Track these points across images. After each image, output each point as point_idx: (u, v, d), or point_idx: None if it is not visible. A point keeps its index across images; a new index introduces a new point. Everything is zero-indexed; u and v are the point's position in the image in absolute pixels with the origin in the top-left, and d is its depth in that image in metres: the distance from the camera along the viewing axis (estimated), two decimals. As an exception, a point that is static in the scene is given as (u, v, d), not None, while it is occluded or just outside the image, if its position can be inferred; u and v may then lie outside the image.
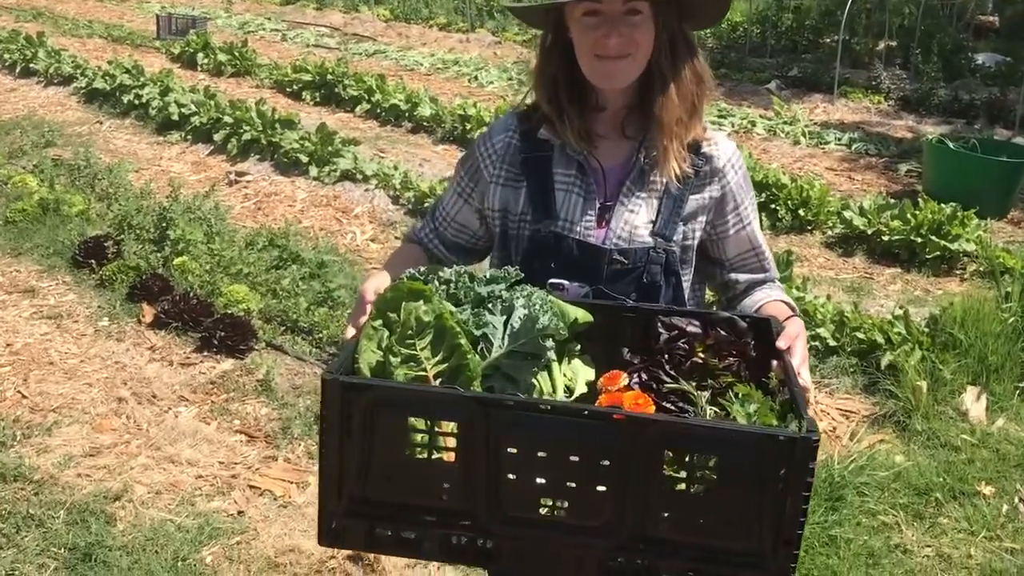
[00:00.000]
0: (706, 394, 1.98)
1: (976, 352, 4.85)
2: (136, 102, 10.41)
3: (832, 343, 5.27)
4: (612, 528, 1.67)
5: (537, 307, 1.90)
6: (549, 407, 1.65)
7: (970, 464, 4.15)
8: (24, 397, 4.72)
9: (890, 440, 4.47)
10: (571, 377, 2.09)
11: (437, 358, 1.80)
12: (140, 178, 8.30)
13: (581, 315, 2.05)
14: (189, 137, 9.50)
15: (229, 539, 3.77)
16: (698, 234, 2.27)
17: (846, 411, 4.82)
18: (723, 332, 2.07)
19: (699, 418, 1.67)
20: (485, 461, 1.64)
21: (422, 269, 1.98)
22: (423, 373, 1.78)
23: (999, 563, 3.56)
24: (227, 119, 9.17)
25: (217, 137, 9.11)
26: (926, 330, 5.17)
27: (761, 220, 2.71)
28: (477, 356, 1.83)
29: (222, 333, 5.13)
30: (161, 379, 4.93)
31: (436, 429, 1.66)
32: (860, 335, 5.22)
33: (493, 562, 1.73)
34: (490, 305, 1.90)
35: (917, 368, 4.79)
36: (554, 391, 2.02)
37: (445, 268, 1.98)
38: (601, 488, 1.64)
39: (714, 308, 2.60)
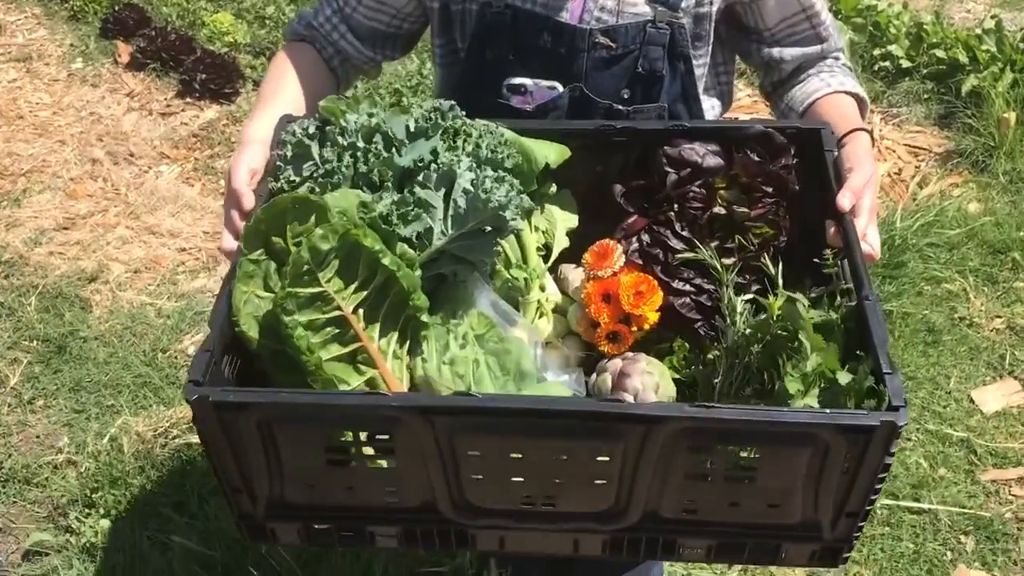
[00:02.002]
0: (733, 262, 1.44)
1: (1081, 71, 4.07)
2: None
3: (906, 64, 4.50)
4: (618, 514, 1.23)
5: (488, 174, 1.32)
6: (520, 408, 1.13)
7: (1057, 213, 3.57)
8: (-8, 160, 4.29)
9: (964, 185, 3.85)
10: (547, 229, 1.54)
11: (353, 286, 1.28)
12: None
13: (554, 154, 1.47)
14: None
15: (217, 324, 3.43)
16: None
17: (915, 148, 4.16)
18: (753, 156, 1.48)
19: (737, 407, 1.13)
20: (440, 466, 1.18)
21: (308, 127, 1.39)
22: (337, 313, 1.27)
23: (1079, 337, 3.11)
24: None
25: None
26: (1022, 45, 4.35)
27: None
28: (409, 269, 1.30)
29: (203, 76, 4.53)
30: (139, 133, 4.43)
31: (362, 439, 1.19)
32: (939, 53, 4.43)
33: (466, 547, 1.32)
34: (420, 179, 1.33)
35: (1006, 96, 4.05)
36: (524, 260, 1.49)
37: (347, 115, 1.38)
38: (601, 482, 1.17)
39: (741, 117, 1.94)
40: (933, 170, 3.98)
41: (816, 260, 1.39)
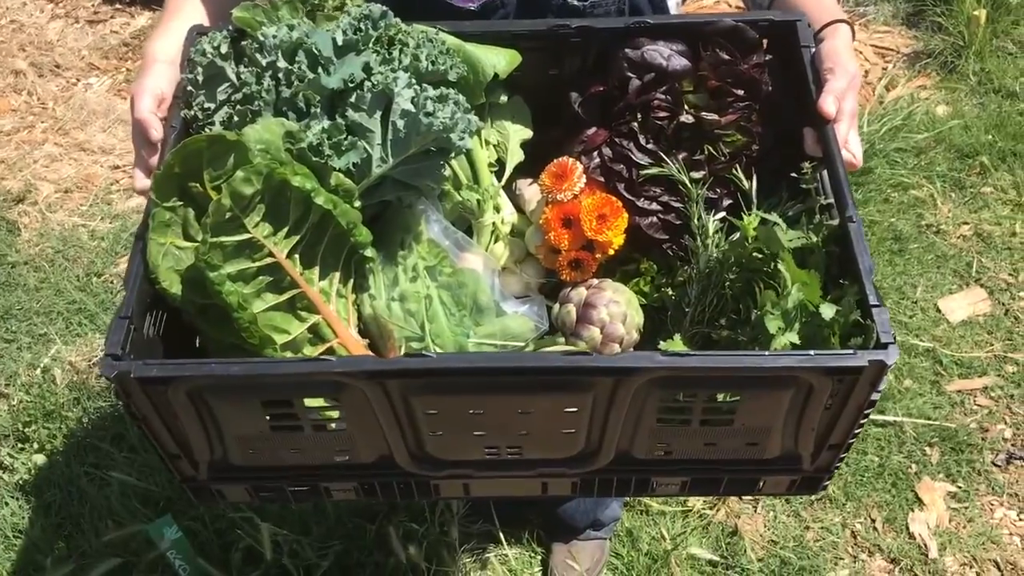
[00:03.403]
0: (702, 175, 1.32)
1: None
2: None
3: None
4: (588, 458, 1.15)
5: (429, 93, 1.17)
6: (478, 367, 1.02)
7: (1028, 117, 3.43)
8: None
9: (933, 87, 3.68)
10: (498, 143, 1.41)
11: (285, 228, 1.14)
12: None
13: (504, 61, 1.32)
14: None
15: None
16: None
17: (883, 49, 3.95)
18: (721, 54, 1.34)
19: (713, 355, 1.02)
20: (396, 425, 1.08)
21: (220, 44, 1.21)
22: (269, 260, 1.13)
23: (1046, 242, 3.04)
24: None
25: None
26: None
27: None
28: (347, 204, 1.16)
29: (129, -31, 4.19)
30: (66, 42, 4.10)
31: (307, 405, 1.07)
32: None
33: (429, 497, 1.23)
34: (352, 101, 1.17)
35: (977, -7, 3.84)
36: (476, 180, 1.36)
37: (265, 27, 1.21)
38: (569, 431, 1.08)
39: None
40: (901, 72, 3.79)
41: (792, 172, 1.28)
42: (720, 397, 1.09)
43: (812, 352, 1.02)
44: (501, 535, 2.40)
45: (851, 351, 1.02)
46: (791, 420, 1.12)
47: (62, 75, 3.97)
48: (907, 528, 2.44)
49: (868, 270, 1.08)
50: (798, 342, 1.09)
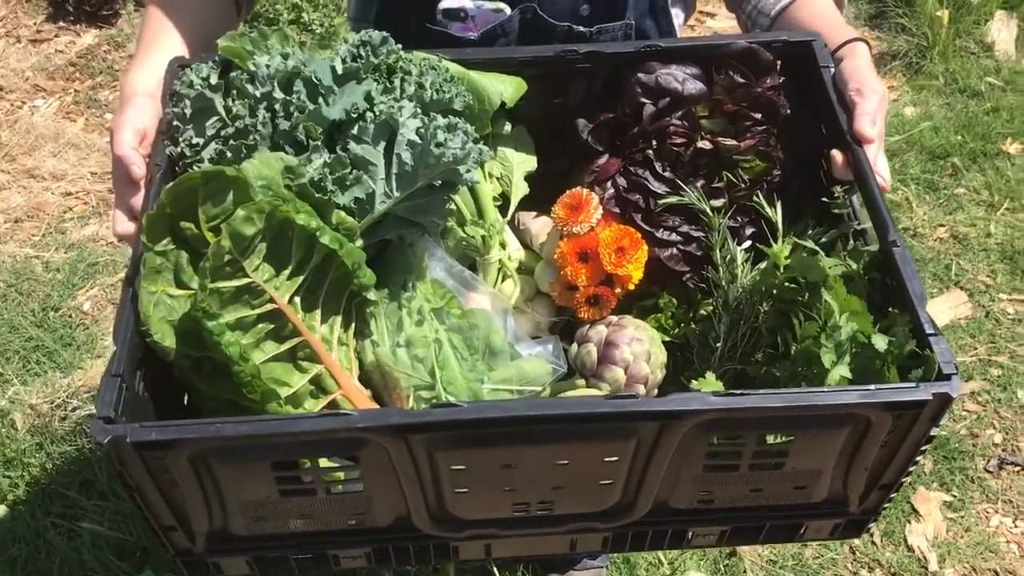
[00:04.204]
0: (721, 203, 1.25)
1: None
2: None
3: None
4: (622, 511, 1.06)
5: (438, 122, 1.09)
6: (517, 415, 0.92)
7: (994, 115, 3.46)
8: None
9: (899, 87, 3.72)
10: (502, 175, 1.33)
11: (287, 271, 1.04)
12: None
13: (510, 90, 1.25)
14: None
15: (111, 276, 3.12)
16: None
17: None
18: (736, 76, 1.28)
19: (771, 393, 0.93)
20: (417, 483, 0.98)
21: (208, 75, 1.12)
22: (270, 307, 1.04)
23: (1022, 240, 3.04)
24: None
25: None
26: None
27: None
28: (351, 244, 1.07)
29: (75, -5, 4.07)
30: (8, 63, 3.95)
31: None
32: (864, -57, 4.25)
33: (447, 560, 1.13)
34: (355, 132, 1.08)
35: (939, -8, 3.90)
36: (480, 215, 1.28)
37: (256, 56, 1.12)
38: (606, 482, 0.99)
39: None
40: (867, 74, 3.84)
41: (815, 197, 1.22)
42: (770, 439, 1.00)
43: (873, 387, 0.94)
44: (495, 569, 2.29)
45: (912, 384, 0.95)
46: (843, 460, 1.04)
47: (5, 98, 3.82)
48: (905, 541, 2.40)
49: (920, 297, 1.01)
50: (850, 376, 1.02)
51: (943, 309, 2.88)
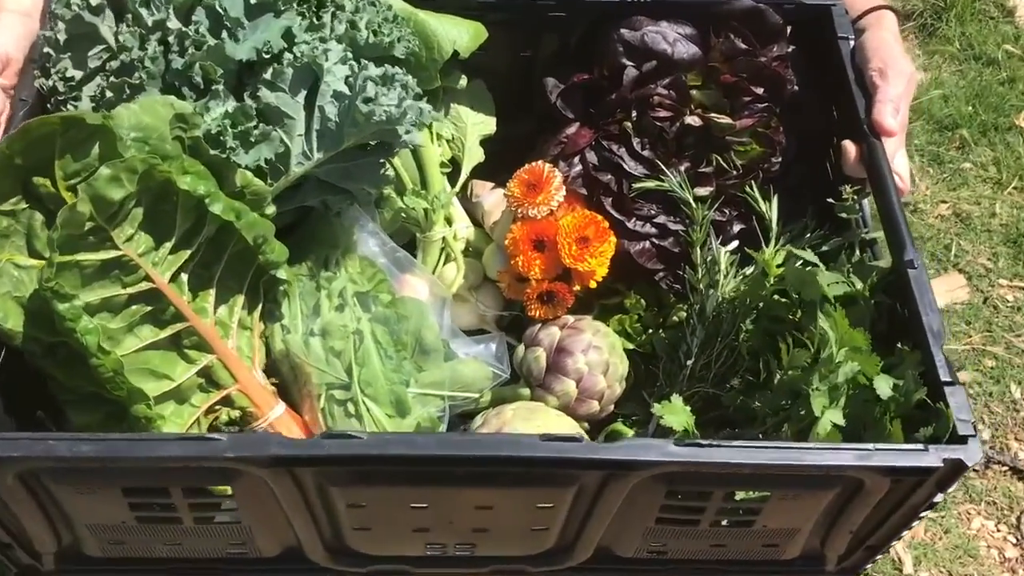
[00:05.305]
0: (708, 192, 1.07)
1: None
2: None
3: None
4: (558, 555, 0.88)
5: (371, 72, 0.89)
6: (427, 454, 0.74)
7: (1009, 86, 3.25)
8: None
9: (911, 51, 3.50)
10: (453, 138, 1.13)
11: (169, 244, 0.85)
12: None
13: (466, 37, 1.04)
14: None
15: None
16: None
17: None
18: (737, 41, 1.07)
19: (743, 447, 0.73)
20: (307, 516, 0.79)
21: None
22: (147, 286, 0.84)
23: (1029, 224, 2.87)
24: None
25: None
26: None
27: None
28: (255, 214, 0.88)
29: None
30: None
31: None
32: None
33: None
34: (268, 76, 0.88)
35: (957, -56, 3.67)
36: (424, 183, 1.09)
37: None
38: (539, 528, 0.81)
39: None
40: (877, 32, 3.63)
41: (816, 187, 1.03)
42: (739, 495, 0.82)
43: (871, 446, 0.76)
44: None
45: (920, 446, 0.77)
46: (825, 520, 0.87)
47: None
48: (880, 539, 2.27)
49: (937, 335, 0.82)
50: (842, 422, 0.84)
51: (939, 292, 2.70)
